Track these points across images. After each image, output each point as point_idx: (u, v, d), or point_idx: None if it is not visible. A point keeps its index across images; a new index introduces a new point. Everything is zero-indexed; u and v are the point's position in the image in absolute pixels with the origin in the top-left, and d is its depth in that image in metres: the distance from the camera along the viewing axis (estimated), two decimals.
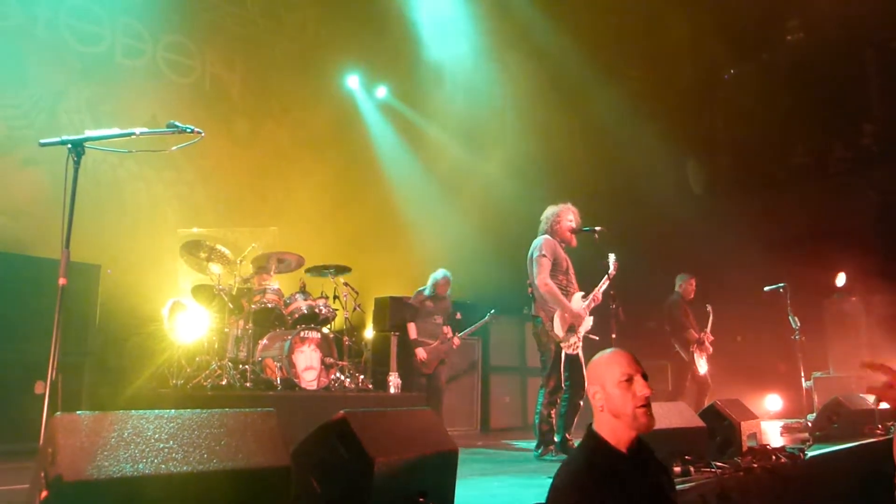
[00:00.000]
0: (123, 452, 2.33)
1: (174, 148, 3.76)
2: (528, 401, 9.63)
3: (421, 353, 7.96)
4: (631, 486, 2.42)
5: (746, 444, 5.37)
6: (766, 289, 8.91)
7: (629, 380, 2.47)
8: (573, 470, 2.44)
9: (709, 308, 8.98)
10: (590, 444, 2.51)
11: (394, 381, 7.89)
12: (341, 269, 7.88)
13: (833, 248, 10.30)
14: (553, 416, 6.02)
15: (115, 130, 3.52)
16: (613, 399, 2.47)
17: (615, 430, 2.48)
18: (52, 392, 3.08)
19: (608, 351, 2.60)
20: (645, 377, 2.50)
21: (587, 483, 2.35)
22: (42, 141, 3.42)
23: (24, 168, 7.58)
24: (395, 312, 8.86)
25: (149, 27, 8.94)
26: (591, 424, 2.57)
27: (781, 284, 8.72)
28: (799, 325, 8.49)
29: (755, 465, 4.82)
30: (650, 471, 2.53)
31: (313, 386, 6.87)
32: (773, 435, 7.68)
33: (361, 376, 7.61)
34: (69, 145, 3.38)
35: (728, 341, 9.15)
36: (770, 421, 8.95)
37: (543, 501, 2.46)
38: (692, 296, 9.04)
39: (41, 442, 2.52)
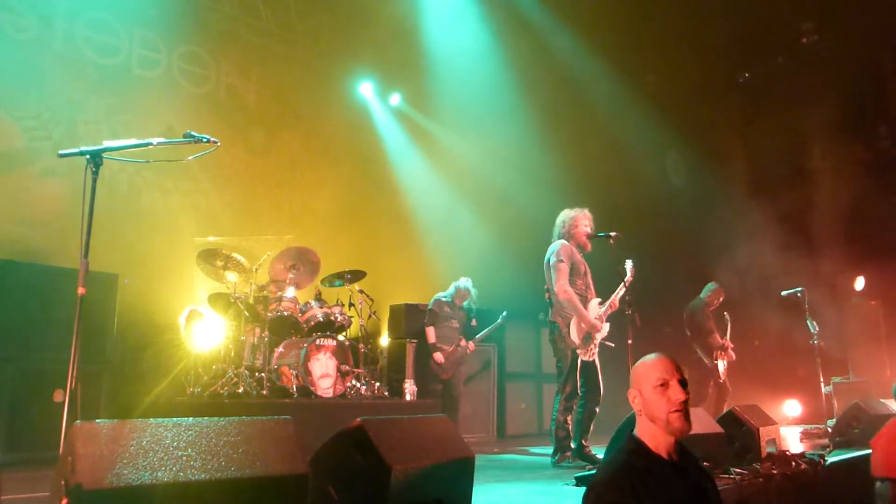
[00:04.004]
0: (142, 460, 2.34)
1: (191, 157, 3.79)
2: (544, 407, 9.58)
3: (439, 356, 7.96)
4: (671, 490, 2.45)
5: (765, 449, 5.32)
6: (783, 293, 8.84)
7: (664, 384, 2.52)
8: (613, 469, 2.48)
9: (727, 316, 8.90)
10: (630, 446, 2.55)
11: (409, 388, 7.89)
12: (356, 275, 7.90)
13: (852, 252, 10.22)
14: (569, 422, 5.99)
15: (133, 141, 3.55)
16: (649, 403, 2.53)
17: (654, 435, 2.52)
18: (71, 401, 3.11)
19: (649, 356, 2.65)
20: (682, 383, 2.54)
21: (625, 483, 2.38)
22: (61, 152, 3.45)
23: (43, 179, 7.66)
24: (410, 319, 8.86)
25: (164, 38, 9.01)
26: (632, 428, 2.61)
27: (799, 289, 8.65)
28: (817, 329, 8.42)
29: (774, 472, 4.78)
30: (691, 476, 2.55)
31: (329, 393, 6.89)
32: (793, 441, 7.61)
33: (377, 384, 7.61)
34: (87, 156, 3.42)
35: (746, 346, 9.08)
36: (789, 426, 8.88)
37: None
38: (715, 307, 8.95)
39: (61, 450, 2.54)
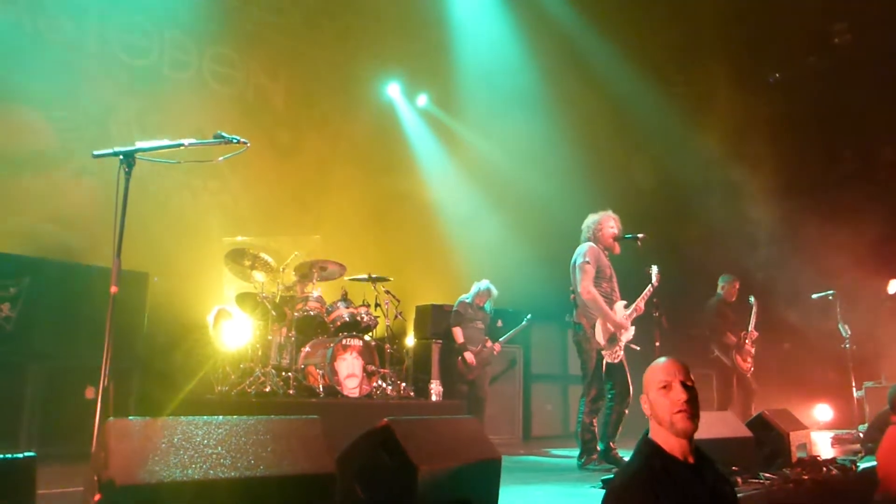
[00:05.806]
0: (174, 457, 2.37)
1: (221, 158, 3.81)
2: (570, 409, 9.53)
3: (470, 356, 7.97)
4: (689, 490, 2.44)
5: (796, 454, 5.26)
6: (814, 296, 8.70)
7: (666, 386, 2.53)
8: (633, 471, 2.49)
9: (752, 300, 8.51)
10: (645, 449, 2.56)
11: (435, 388, 7.91)
12: (380, 280, 7.94)
13: (883, 255, 10.03)
14: (595, 424, 5.96)
15: (165, 141, 3.58)
16: (655, 405, 2.55)
17: (664, 437, 2.53)
18: (103, 398, 3.15)
19: (658, 360, 2.65)
20: (685, 384, 2.52)
21: (644, 484, 2.39)
22: (95, 152, 3.49)
23: (76, 179, 7.78)
24: (436, 320, 8.88)
25: (195, 40, 9.11)
26: (646, 431, 2.61)
27: (831, 291, 8.52)
28: (849, 333, 8.28)
29: (805, 477, 4.72)
30: (709, 478, 2.54)
31: (355, 393, 6.91)
32: (824, 446, 7.51)
33: (403, 384, 7.64)
34: (121, 156, 3.46)
35: (776, 349, 8.95)
36: (820, 431, 8.74)
37: None
38: (734, 298, 8.74)
39: (94, 446, 2.58)
